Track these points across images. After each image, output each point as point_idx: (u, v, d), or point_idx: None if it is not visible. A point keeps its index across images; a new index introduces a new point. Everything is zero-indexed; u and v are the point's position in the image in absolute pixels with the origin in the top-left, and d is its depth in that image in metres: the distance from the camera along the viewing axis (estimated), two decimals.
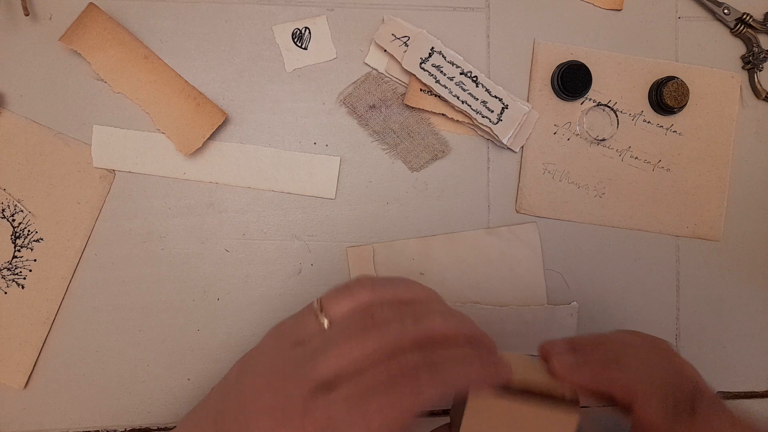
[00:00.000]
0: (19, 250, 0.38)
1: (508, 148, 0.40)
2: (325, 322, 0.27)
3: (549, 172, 0.41)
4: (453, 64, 0.39)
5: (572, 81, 0.40)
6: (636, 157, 0.42)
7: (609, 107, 0.41)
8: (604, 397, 0.29)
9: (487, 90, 0.39)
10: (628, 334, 0.32)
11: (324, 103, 0.40)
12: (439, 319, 0.27)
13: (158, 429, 0.39)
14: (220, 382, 0.30)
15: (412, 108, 0.40)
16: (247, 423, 0.25)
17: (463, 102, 0.39)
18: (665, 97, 0.40)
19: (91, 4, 0.37)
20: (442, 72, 0.39)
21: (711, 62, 0.42)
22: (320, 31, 0.40)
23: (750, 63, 0.42)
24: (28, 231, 0.38)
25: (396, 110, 0.40)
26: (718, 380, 0.42)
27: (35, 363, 0.38)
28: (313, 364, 0.25)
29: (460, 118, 0.40)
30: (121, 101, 0.38)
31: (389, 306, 0.27)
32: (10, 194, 0.38)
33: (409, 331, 0.26)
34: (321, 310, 0.28)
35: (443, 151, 0.40)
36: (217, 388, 0.29)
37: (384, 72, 0.40)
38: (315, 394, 0.25)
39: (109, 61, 0.37)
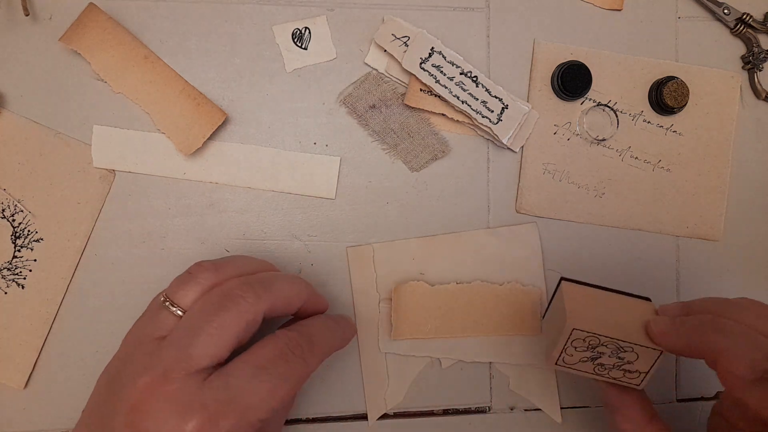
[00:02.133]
0: (19, 250, 0.38)
1: (508, 148, 0.40)
2: (179, 312, 0.29)
3: (549, 172, 0.41)
4: (453, 64, 0.39)
5: (572, 81, 0.40)
6: (636, 157, 0.42)
7: (609, 107, 0.41)
8: (700, 358, 0.30)
9: (487, 90, 0.39)
10: (749, 302, 0.31)
11: (324, 103, 0.40)
12: (286, 285, 0.31)
13: None
14: (88, 404, 0.29)
15: (412, 108, 0.40)
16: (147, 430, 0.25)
17: (463, 102, 0.39)
18: (665, 97, 0.40)
19: (91, 4, 0.37)
20: (442, 72, 0.39)
21: (711, 62, 0.42)
22: (320, 31, 0.40)
23: (750, 63, 0.42)
24: (28, 231, 0.38)
25: (396, 110, 0.40)
26: (717, 381, 0.42)
27: (35, 363, 0.38)
28: (186, 354, 0.26)
29: (460, 118, 0.40)
30: (121, 101, 0.38)
31: (238, 281, 0.29)
32: (10, 194, 0.38)
33: (263, 298, 0.29)
34: (171, 304, 0.29)
35: (443, 151, 0.40)
36: (88, 411, 0.29)
37: (384, 72, 0.40)
38: (201, 378, 0.26)
39: (109, 61, 0.37)
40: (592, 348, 0.31)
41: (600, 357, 0.31)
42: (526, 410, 0.41)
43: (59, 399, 0.38)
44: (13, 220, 0.38)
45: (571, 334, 0.30)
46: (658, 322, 0.31)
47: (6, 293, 0.38)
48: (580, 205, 0.41)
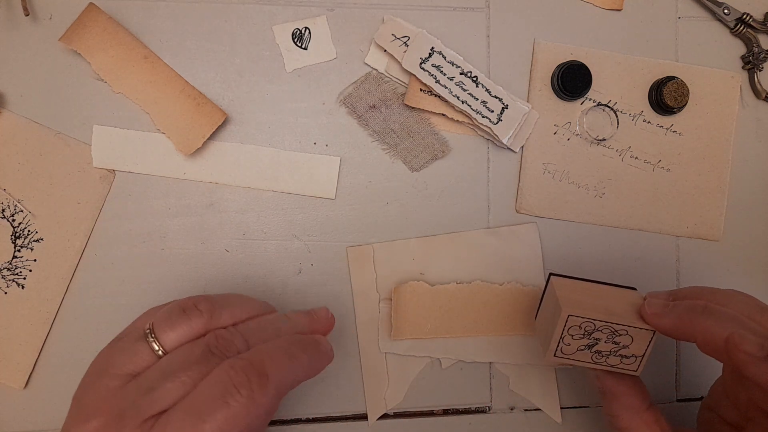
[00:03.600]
0: (19, 250, 0.38)
1: (508, 148, 0.40)
2: (160, 351, 0.27)
3: (549, 172, 0.41)
4: (453, 64, 0.39)
5: (572, 81, 0.40)
6: (636, 157, 0.42)
7: (609, 107, 0.41)
8: (690, 340, 0.30)
9: (487, 90, 0.39)
10: (736, 292, 0.32)
11: (324, 103, 0.40)
12: (286, 360, 0.28)
13: None
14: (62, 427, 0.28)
15: (412, 108, 0.40)
16: None
17: (463, 102, 0.39)
18: (665, 97, 0.40)
19: (91, 4, 0.37)
20: (442, 72, 0.39)
21: (711, 62, 0.42)
22: (320, 31, 0.40)
23: (750, 63, 0.42)
24: (28, 231, 0.38)
25: (396, 110, 0.40)
26: (718, 381, 0.42)
27: (35, 363, 0.38)
28: (150, 399, 0.25)
29: (460, 118, 0.40)
30: (121, 101, 0.38)
31: (226, 334, 0.28)
32: (10, 194, 0.38)
33: (244, 357, 0.27)
34: (154, 338, 0.27)
35: (443, 151, 0.40)
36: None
37: (384, 72, 0.40)
38: (152, 423, 0.25)
39: (109, 61, 0.37)
40: (588, 334, 0.31)
41: (596, 343, 0.31)
42: (526, 410, 0.41)
43: (59, 399, 0.38)
44: (13, 220, 0.38)
45: (567, 321, 0.31)
46: (651, 304, 0.31)
47: (6, 293, 0.38)
48: (580, 205, 0.41)
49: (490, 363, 0.41)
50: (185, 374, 0.26)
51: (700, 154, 0.42)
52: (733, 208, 0.43)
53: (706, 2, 0.42)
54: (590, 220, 0.42)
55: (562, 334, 0.31)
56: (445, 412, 0.41)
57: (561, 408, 0.41)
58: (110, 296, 0.38)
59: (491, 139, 0.40)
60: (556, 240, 0.41)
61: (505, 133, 0.39)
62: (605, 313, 0.31)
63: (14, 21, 0.37)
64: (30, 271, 0.38)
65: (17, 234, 0.38)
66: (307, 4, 0.39)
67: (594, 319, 0.31)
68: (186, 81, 0.38)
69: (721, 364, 0.33)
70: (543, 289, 0.35)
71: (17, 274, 0.38)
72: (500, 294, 0.40)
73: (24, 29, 0.38)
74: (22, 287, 0.38)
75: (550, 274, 0.35)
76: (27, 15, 0.37)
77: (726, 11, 0.42)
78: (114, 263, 0.38)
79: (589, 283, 0.35)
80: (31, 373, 0.38)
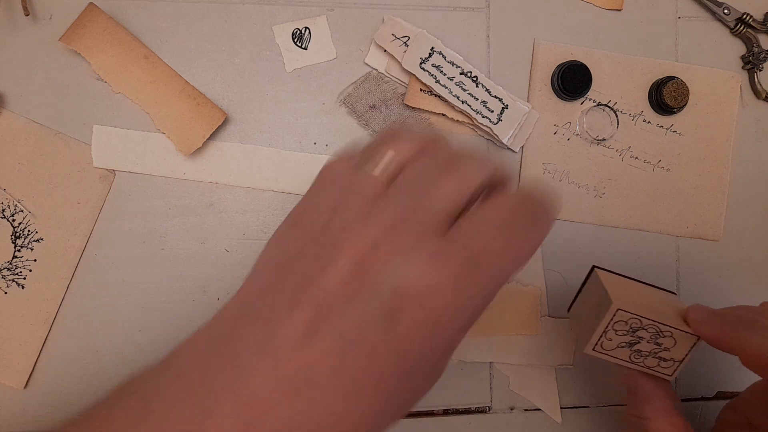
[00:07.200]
0: (19, 250, 0.38)
1: (508, 148, 0.40)
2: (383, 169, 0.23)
3: (549, 172, 0.41)
4: (453, 64, 0.39)
5: (572, 81, 0.40)
6: (636, 157, 0.42)
7: (609, 107, 0.41)
8: (733, 353, 0.29)
9: (487, 90, 0.39)
10: None
11: (324, 103, 0.40)
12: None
13: None
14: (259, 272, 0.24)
15: (412, 108, 0.40)
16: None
17: (463, 102, 0.39)
18: (665, 97, 0.40)
19: (91, 4, 0.37)
20: (442, 72, 0.39)
21: (711, 62, 0.42)
22: (320, 31, 0.40)
23: (750, 63, 0.42)
24: (28, 231, 0.38)
25: (396, 110, 0.40)
26: (717, 381, 0.42)
27: (35, 363, 0.38)
28: (425, 203, 0.22)
29: (460, 118, 0.40)
30: (121, 101, 0.38)
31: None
32: (10, 194, 0.38)
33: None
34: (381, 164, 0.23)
35: None
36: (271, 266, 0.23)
37: (384, 72, 0.40)
38: (441, 231, 0.21)
39: (109, 61, 0.37)
40: (632, 332, 0.30)
41: (638, 342, 0.31)
42: (526, 410, 0.41)
43: (59, 399, 0.38)
44: (13, 220, 0.38)
45: (615, 315, 0.30)
46: (696, 310, 0.31)
47: (6, 293, 0.38)
48: (580, 205, 0.41)
49: (490, 363, 0.41)
50: (449, 176, 0.22)
51: (700, 154, 0.42)
52: (733, 208, 0.43)
53: (706, 2, 0.42)
54: (590, 220, 0.42)
55: (607, 328, 0.30)
56: (445, 412, 0.41)
57: (561, 408, 0.41)
58: (110, 296, 0.38)
59: (491, 139, 0.40)
60: (556, 240, 0.41)
61: (505, 133, 0.39)
62: (653, 312, 0.30)
63: (14, 21, 0.38)
64: (30, 271, 0.38)
65: (17, 234, 0.38)
66: (307, 4, 0.39)
67: (642, 317, 0.30)
68: (186, 81, 0.38)
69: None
70: (583, 280, 0.34)
71: (17, 274, 0.38)
72: (500, 294, 0.40)
73: (24, 29, 0.38)
74: (22, 287, 0.38)
75: (594, 266, 0.34)
76: (27, 15, 0.37)
77: (726, 11, 0.42)
78: (114, 263, 0.38)
79: (631, 280, 0.34)
80: (31, 373, 0.38)
